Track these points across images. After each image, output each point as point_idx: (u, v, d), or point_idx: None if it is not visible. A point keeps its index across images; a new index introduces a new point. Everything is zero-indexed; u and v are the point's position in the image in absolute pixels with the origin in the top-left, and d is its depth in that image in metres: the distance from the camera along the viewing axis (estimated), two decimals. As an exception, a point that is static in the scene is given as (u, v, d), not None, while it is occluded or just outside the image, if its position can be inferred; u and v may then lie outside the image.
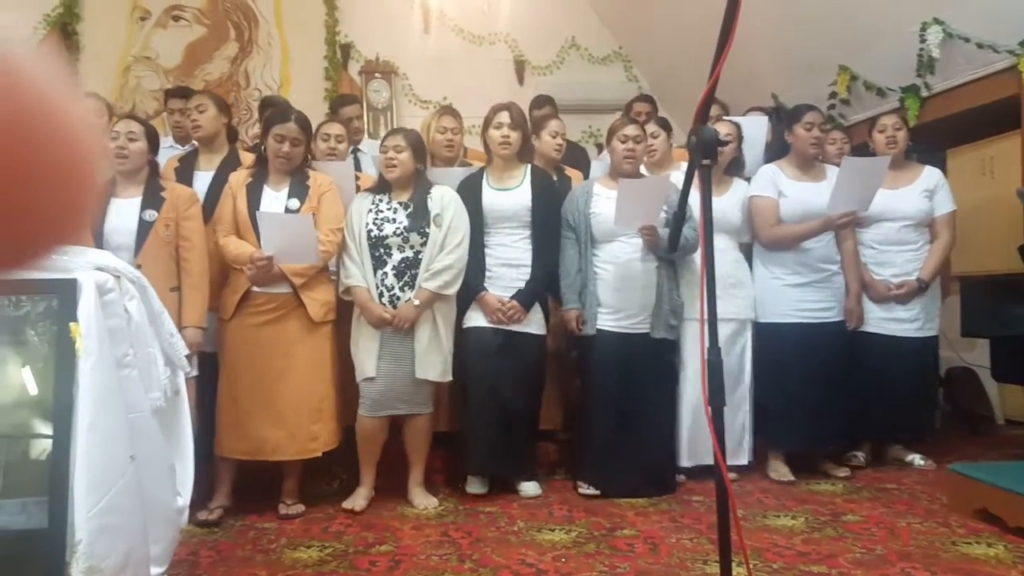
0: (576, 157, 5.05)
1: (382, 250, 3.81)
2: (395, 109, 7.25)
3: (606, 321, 3.98)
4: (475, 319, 3.96)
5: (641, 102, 5.65)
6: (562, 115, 4.99)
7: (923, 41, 4.74)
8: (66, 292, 2.12)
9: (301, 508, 3.75)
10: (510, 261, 3.98)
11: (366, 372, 3.78)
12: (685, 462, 4.14)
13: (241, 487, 3.79)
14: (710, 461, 4.05)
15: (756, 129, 4.64)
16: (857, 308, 4.30)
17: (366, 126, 6.99)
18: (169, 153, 4.53)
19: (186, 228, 3.62)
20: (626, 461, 3.92)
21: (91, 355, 2.09)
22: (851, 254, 4.31)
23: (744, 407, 4.21)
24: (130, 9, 7.17)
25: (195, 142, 4.37)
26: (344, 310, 3.88)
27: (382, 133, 5.79)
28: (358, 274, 3.78)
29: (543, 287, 4.03)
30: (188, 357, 2.99)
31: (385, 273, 3.79)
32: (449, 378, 3.87)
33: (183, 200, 3.66)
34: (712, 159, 2.15)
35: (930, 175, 4.44)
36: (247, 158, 4.13)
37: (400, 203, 3.85)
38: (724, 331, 4.03)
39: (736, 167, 4.36)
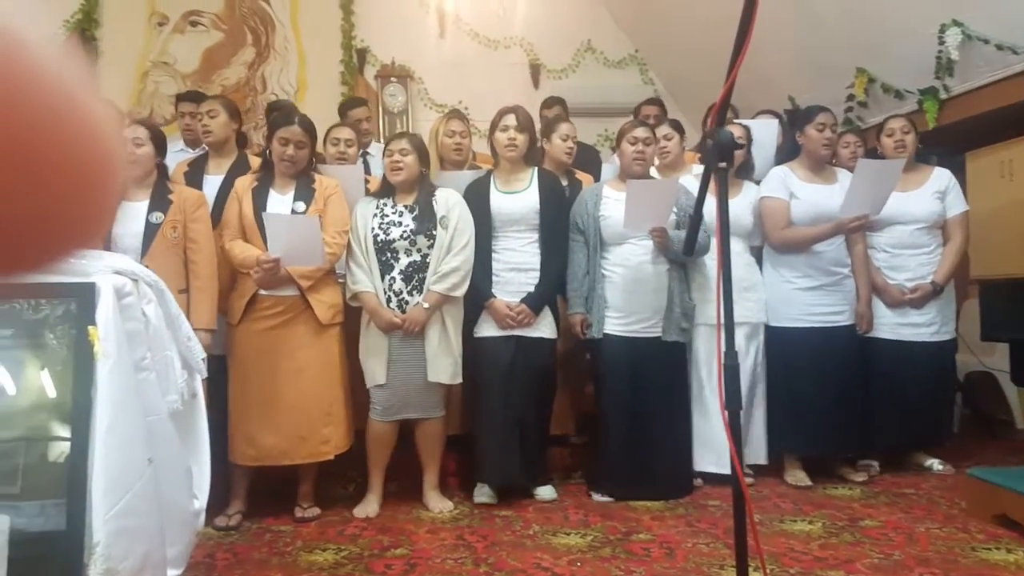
0: (587, 160, 5.04)
1: (389, 254, 3.80)
2: (411, 113, 7.26)
3: (615, 325, 3.98)
4: (486, 328, 3.95)
5: (650, 105, 5.65)
6: (577, 118, 4.99)
7: (942, 43, 4.71)
8: (84, 296, 2.13)
9: (317, 511, 3.75)
10: (519, 265, 3.97)
11: (377, 379, 3.78)
12: (700, 466, 4.12)
13: (257, 490, 3.80)
14: (726, 467, 4.10)
15: (766, 132, 4.62)
16: (868, 312, 4.27)
17: (382, 130, 7.02)
18: (180, 157, 4.56)
19: (194, 230, 3.63)
20: (641, 466, 3.91)
21: (109, 358, 2.10)
22: (861, 258, 4.28)
23: (760, 410, 4.19)
24: (148, 14, 7.21)
25: (205, 146, 4.39)
26: (350, 312, 3.88)
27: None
28: (366, 280, 3.78)
29: (552, 290, 4.02)
30: (199, 360, 3.00)
31: (393, 278, 3.79)
32: (459, 380, 3.87)
33: (190, 202, 3.67)
34: (729, 162, 2.15)
35: (940, 176, 4.41)
36: (257, 163, 4.14)
37: (405, 206, 3.85)
38: (738, 335, 4.00)
39: (746, 170, 4.34)
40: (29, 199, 0.42)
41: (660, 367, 3.99)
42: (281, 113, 3.98)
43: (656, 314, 3.97)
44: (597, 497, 3.94)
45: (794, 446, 4.22)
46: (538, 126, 4.94)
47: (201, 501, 2.66)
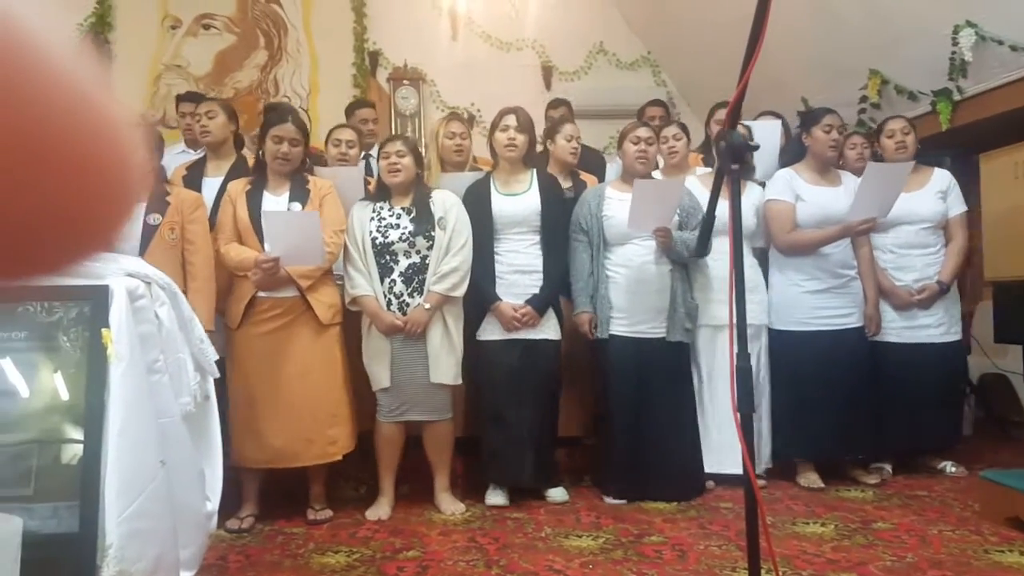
0: (592, 163, 5.04)
1: (388, 257, 3.80)
2: (423, 116, 7.27)
3: (619, 326, 3.98)
4: (490, 331, 3.95)
5: (654, 106, 5.65)
6: (590, 120, 5.01)
7: (955, 44, 4.69)
8: (98, 298, 2.14)
9: (329, 513, 3.76)
10: (522, 267, 3.97)
11: (381, 382, 3.79)
12: (713, 468, 4.12)
13: (269, 492, 3.81)
14: (731, 469, 4.09)
15: (769, 133, 4.60)
16: (876, 315, 4.26)
17: (394, 133, 7.01)
18: (182, 158, 4.57)
19: (191, 232, 3.63)
20: (649, 467, 3.91)
21: (122, 361, 2.11)
22: (867, 260, 4.28)
23: (764, 414, 4.18)
24: (161, 18, 7.23)
25: (203, 148, 4.41)
26: (348, 311, 3.87)
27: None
28: (365, 284, 3.77)
29: (556, 292, 4.02)
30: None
31: (393, 281, 3.78)
32: (460, 381, 3.87)
33: (188, 204, 3.67)
34: (741, 164, 2.14)
35: (941, 177, 4.42)
36: None
37: (403, 209, 3.85)
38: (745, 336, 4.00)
39: (747, 171, 4.33)
40: (46, 199, 0.42)
41: (665, 368, 3.99)
42: (273, 113, 3.98)
43: (659, 315, 3.98)
44: (609, 500, 3.94)
45: (805, 450, 4.20)
46: (544, 127, 4.97)
47: (213, 503, 2.67)
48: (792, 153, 4.49)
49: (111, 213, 0.47)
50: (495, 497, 3.91)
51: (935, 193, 4.35)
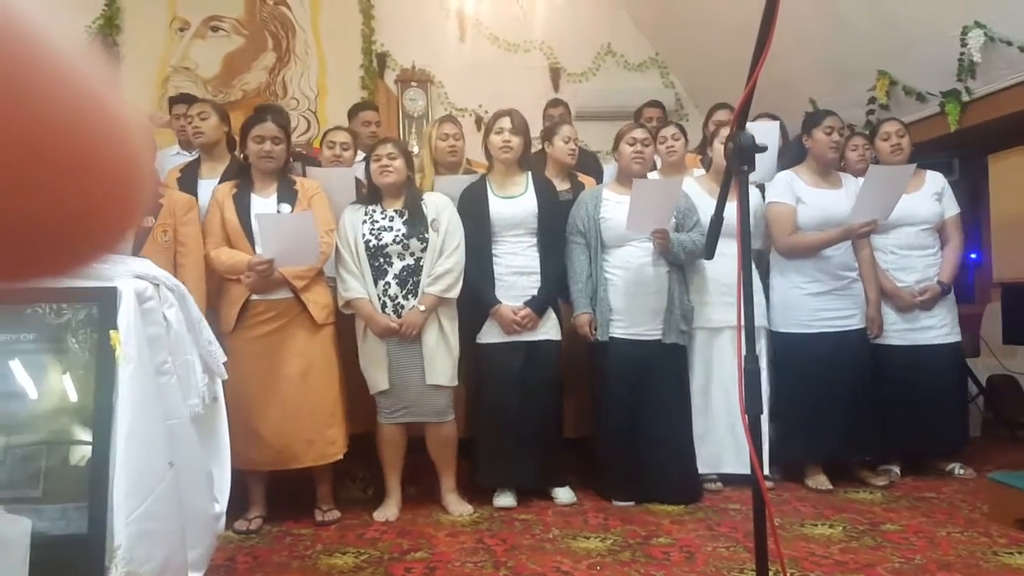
0: (588, 166, 5.04)
1: (382, 259, 3.80)
2: (430, 117, 7.25)
3: (617, 328, 3.98)
4: (490, 335, 3.95)
5: (652, 107, 5.65)
6: (597, 122, 5.01)
7: (964, 45, 4.67)
8: (106, 300, 2.15)
9: (337, 514, 3.76)
10: (520, 269, 3.97)
11: (379, 385, 3.79)
12: (708, 469, 4.13)
13: (276, 493, 3.81)
14: (729, 468, 4.08)
15: (766, 135, 4.59)
16: (878, 316, 4.27)
17: (402, 134, 7.03)
18: (176, 160, 4.57)
19: (183, 234, 3.62)
20: (645, 470, 3.90)
21: (130, 362, 2.12)
22: (868, 262, 4.28)
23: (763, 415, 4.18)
24: (169, 20, 7.24)
25: (196, 150, 4.40)
26: (340, 313, 3.87)
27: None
28: (358, 286, 3.77)
29: (554, 293, 4.02)
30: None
31: (388, 283, 3.78)
32: (456, 383, 3.87)
33: (181, 206, 3.66)
34: (750, 165, 2.14)
35: (935, 179, 4.45)
36: None
37: (395, 211, 3.85)
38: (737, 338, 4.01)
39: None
40: (52, 198, 0.42)
41: (662, 369, 3.99)
42: (252, 114, 3.97)
43: (656, 317, 3.97)
44: (617, 502, 3.93)
45: (811, 452, 4.20)
46: (541, 127, 4.98)
47: (221, 504, 2.68)
48: (791, 155, 4.48)
49: (119, 214, 0.47)
50: (503, 499, 3.91)
51: (931, 195, 4.38)
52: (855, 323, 4.22)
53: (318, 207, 3.77)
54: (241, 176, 3.83)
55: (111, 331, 2.11)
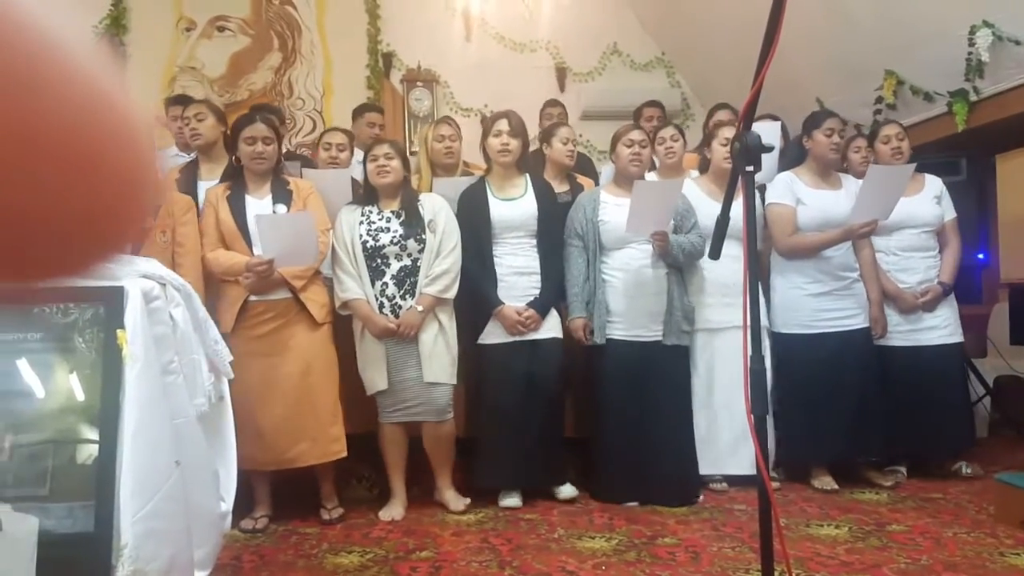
0: (582, 167, 5.04)
1: (379, 260, 3.81)
2: (436, 117, 7.27)
3: (616, 330, 3.98)
4: (492, 335, 3.95)
5: (651, 107, 5.65)
6: (604, 121, 5.01)
7: (972, 44, 4.65)
8: (113, 300, 2.15)
9: (341, 511, 3.77)
10: (521, 269, 3.98)
11: (378, 385, 3.79)
12: (709, 471, 4.13)
13: (282, 493, 3.82)
14: (732, 470, 4.07)
15: (767, 136, 4.58)
16: (882, 317, 4.26)
17: (408, 135, 7.04)
18: (175, 162, 4.56)
19: (181, 234, 3.62)
20: (646, 471, 3.89)
21: (137, 362, 2.12)
22: (870, 262, 4.28)
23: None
24: (176, 20, 7.25)
25: (194, 151, 4.40)
26: (336, 313, 3.87)
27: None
28: (355, 287, 3.77)
29: (556, 293, 4.02)
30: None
31: (385, 284, 3.79)
32: (455, 380, 3.87)
33: (179, 207, 3.67)
34: (756, 165, 2.13)
35: (933, 182, 4.46)
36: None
37: (392, 212, 3.86)
38: (739, 339, 4.00)
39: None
40: (61, 197, 0.42)
41: (663, 371, 3.99)
42: (241, 116, 3.97)
43: (655, 318, 3.98)
44: (615, 503, 3.92)
45: (815, 452, 4.19)
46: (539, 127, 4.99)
47: (228, 503, 2.68)
48: (791, 156, 4.48)
49: (127, 214, 0.47)
50: (509, 499, 3.91)
51: (931, 197, 4.40)
52: (859, 323, 4.21)
53: (313, 207, 3.78)
54: (234, 178, 3.82)
55: (118, 330, 2.12)
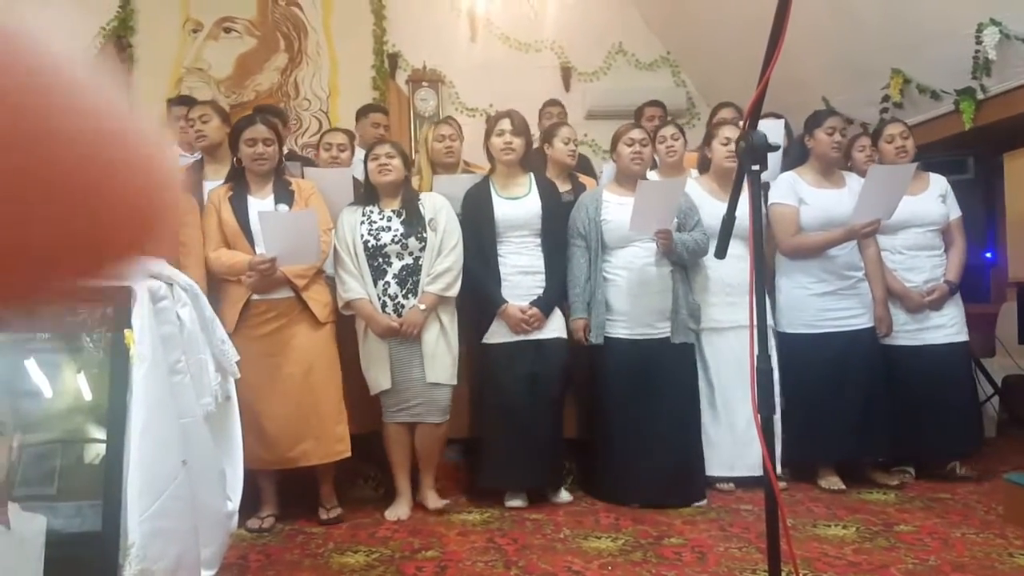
0: (581, 165, 5.04)
1: (381, 260, 3.81)
2: (441, 117, 7.27)
3: (620, 329, 3.98)
4: (496, 335, 3.94)
5: (652, 106, 5.66)
6: (609, 121, 5.00)
7: (979, 43, 4.65)
8: (121, 300, 2.16)
9: (339, 511, 3.76)
10: (525, 268, 3.98)
11: (381, 384, 3.80)
12: (715, 471, 4.12)
13: (289, 492, 3.82)
14: (741, 472, 4.06)
15: (771, 134, 4.57)
16: (887, 315, 4.25)
17: (413, 134, 7.04)
18: (180, 163, 4.56)
19: (184, 235, 3.61)
20: (650, 471, 3.88)
21: (144, 361, 2.13)
22: (875, 261, 4.26)
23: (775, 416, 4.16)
24: (182, 21, 7.27)
25: (199, 152, 4.40)
26: (339, 313, 3.87)
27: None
28: (357, 287, 3.77)
29: (560, 292, 4.02)
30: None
31: (387, 283, 3.79)
32: (456, 381, 3.87)
33: (181, 207, 3.67)
34: (762, 164, 2.13)
35: (938, 181, 4.44)
36: None
37: (393, 211, 3.86)
38: (744, 338, 4.00)
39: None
40: (64, 221, 0.43)
41: (670, 369, 3.99)
42: (242, 118, 3.97)
43: (660, 316, 3.97)
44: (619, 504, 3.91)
45: (822, 452, 4.19)
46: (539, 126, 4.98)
47: (234, 503, 2.69)
48: (794, 156, 4.47)
49: (130, 240, 0.47)
50: (514, 500, 3.91)
51: (936, 196, 4.38)
52: (863, 322, 4.21)
53: (315, 207, 3.78)
54: (236, 179, 3.83)
55: (125, 330, 2.12)
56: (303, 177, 4.14)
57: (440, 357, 3.80)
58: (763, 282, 2.10)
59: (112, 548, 2.00)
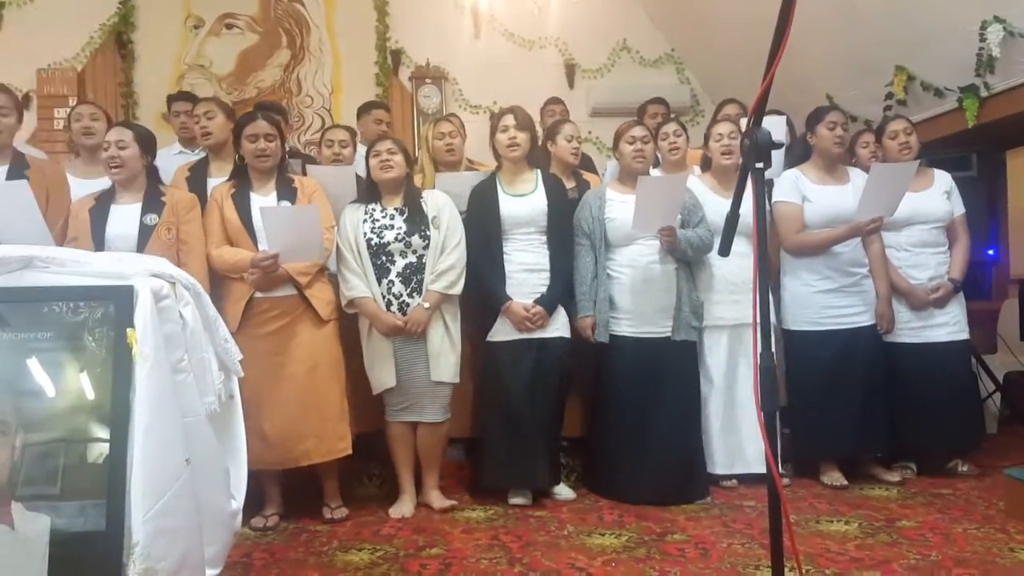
0: (583, 163, 5.03)
1: (384, 258, 3.81)
2: (445, 114, 7.27)
3: (624, 327, 3.97)
4: (501, 332, 3.94)
5: (655, 104, 5.65)
6: (613, 118, 4.99)
7: (983, 40, 4.63)
8: (123, 299, 2.15)
9: (345, 511, 3.77)
10: (531, 266, 3.97)
11: (386, 383, 3.79)
12: (717, 469, 4.12)
13: (292, 490, 3.82)
14: (742, 469, 4.06)
15: (773, 130, 4.56)
16: (888, 312, 4.24)
17: (416, 131, 7.04)
18: (180, 159, 4.56)
19: (185, 232, 3.62)
20: (653, 468, 3.88)
21: (147, 360, 2.12)
22: (879, 257, 4.25)
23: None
24: (184, 17, 7.28)
25: (203, 149, 4.42)
26: (341, 311, 3.87)
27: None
28: (361, 285, 3.77)
29: (564, 290, 4.01)
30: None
31: (391, 281, 3.79)
32: (458, 380, 3.87)
33: (183, 204, 3.66)
34: (767, 162, 2.12)
35: (943, 177, 4.44)
36: None
37: (395, 209, 3.86)
38: (747, 337, 4.01)
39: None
40: None
41: (673, 366, 3.99)
42: (244, 114, 3.96)
43: (664, 314, 3.98)
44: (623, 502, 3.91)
45: (824, 448, 4.19)
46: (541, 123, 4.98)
47: (238, 501, 2.68)
48: (797, 153, 4.46)
49: None
50: (518, 497, 3.90)
51: (941, 193, 4.37)
52: (866, 320, 4.20)
53: (318, 204, 3.77)
54: (239, 176, 3.82)
55: (128, 329, 2.12)
56: (304, 175, 4.12)
57: (444, 355, 3.80)
58: (767, 280, 2.09)
59: (116, 547, 2.00)
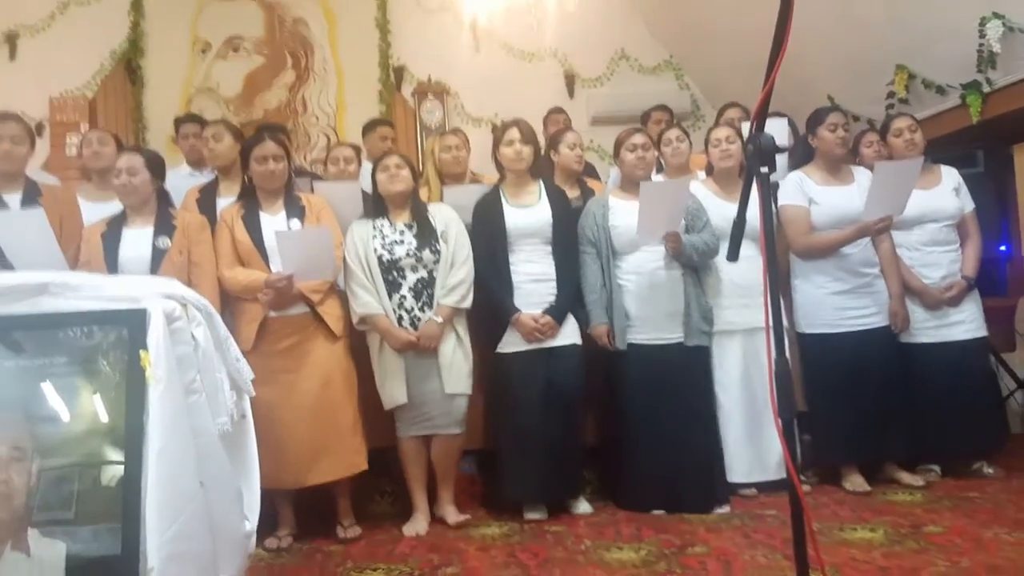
0: (587, 170, 5.03)
1: (395, 273, 3.80)
2: (447, 128, 7.28)
3: (636, 334, 3.96)
4: (510, 344, 3.92)
5: (659, 111, 5.65)
6: (614, 126, 4.99)
7: (982, 36, 4.63)
8: (136, 322, 2.16)
9: (358, 530, 3.74)
10: (538, 276, 3.96)
11: (397, 399, 3.77)
12: (735, 477, 4.07)
13: (305, 510, 3.79)
14: (758, 477, 4.02)
15: (775, 133, 4.54)
16: (902, 310, 4.20)
17: (420, 146, 7.06)
18: (189, 181, 4.58)
19: (196, 254, 3.63)
20: (671, 476, 3.85)
21: (160, 382, 2.12)
22: (890, 256, 4.23)
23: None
24: (191, 42, 7.35)
25: (212, 170, 4.45)
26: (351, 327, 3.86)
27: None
28: (373, 301, 3.76)
29: (572, 299, 3.99)
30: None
31: (403, 296, 3.78)
32: (470, 391, 3.85)
33: (194, 227, 3.69)
34: (771, 166, 2.11)
35: (951, 174, 4.41)
36: None
37: (405, 224, 3.86)
38: (757, 341, 3.99)
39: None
40: None
41: (685, 372, 3.96)
42: (251, 136, 3.98)
43: (673, 320, 3.96)
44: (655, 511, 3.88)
45: (843, 453, 4.14)
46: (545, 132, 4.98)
47: (252, 522, 2.67)
48: (799, 156, 4.44)
49: None
50: (533, 512, 3.87)
51: (950, 190, 4.35)
52: (879, 321, 4.17)
53: (327, 221, 3.80)
54: (247, 196, 3.84)
55: (141, 352, 2.12)
56: (312, 192, 4.13)
57: (457, 367, 3.79)
58: (776, 283, 2.08)
59: (131, 571, 2.00)
